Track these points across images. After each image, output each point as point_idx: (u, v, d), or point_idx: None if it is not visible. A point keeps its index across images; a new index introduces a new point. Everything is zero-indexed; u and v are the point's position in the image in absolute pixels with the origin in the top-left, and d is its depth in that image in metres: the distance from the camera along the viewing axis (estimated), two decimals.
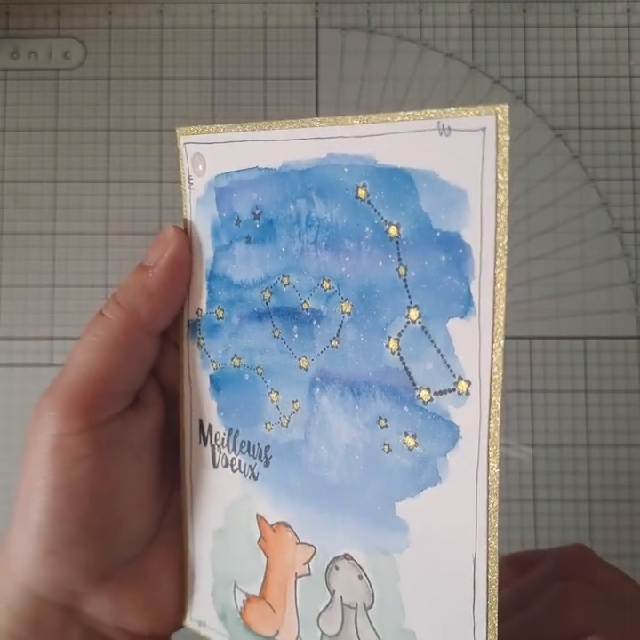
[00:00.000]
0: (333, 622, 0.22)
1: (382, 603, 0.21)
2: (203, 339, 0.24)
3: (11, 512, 0.23)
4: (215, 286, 0.23)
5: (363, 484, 0.20)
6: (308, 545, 0.22)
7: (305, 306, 0.21)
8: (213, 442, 0.24)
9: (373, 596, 0.21)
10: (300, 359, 0.21)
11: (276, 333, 0.22)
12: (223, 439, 0.24)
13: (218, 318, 0.23)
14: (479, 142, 0.16)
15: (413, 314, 0.18)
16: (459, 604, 0.19)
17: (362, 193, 0.19)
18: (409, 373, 0.19)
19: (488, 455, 0.17)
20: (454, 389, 0.18)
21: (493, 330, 0.17)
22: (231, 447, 0.24)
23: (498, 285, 0.16)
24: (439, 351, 0.18)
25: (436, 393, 0.18)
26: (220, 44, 0.44)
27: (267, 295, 0.22)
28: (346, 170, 0.19)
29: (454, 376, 0.18)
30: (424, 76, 0.43)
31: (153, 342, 0.24)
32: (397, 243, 0.18)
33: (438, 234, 0.17)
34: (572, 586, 0.24)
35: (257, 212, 0.22)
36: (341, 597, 0.22)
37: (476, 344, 0.17)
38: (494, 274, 0.16)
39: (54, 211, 0.44)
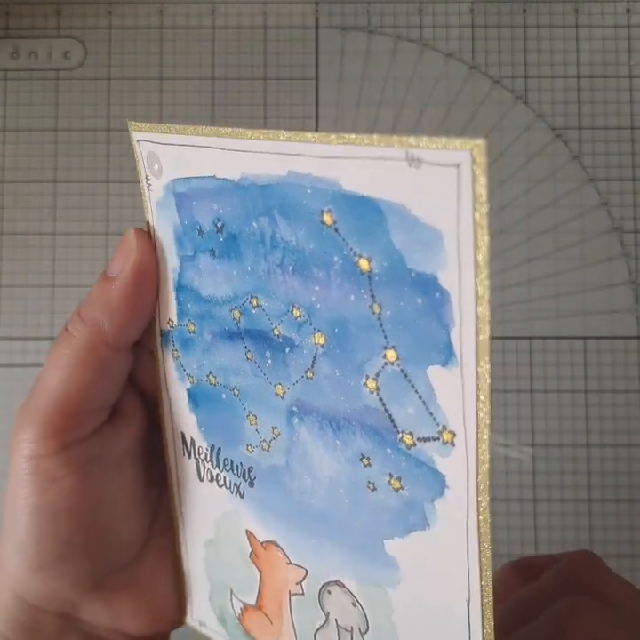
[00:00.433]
0: None
1: (377, 630, 0.20)
2: (177, 351, 0.23)
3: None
4: (184, 298, 0.22)
5: (349, 517, 0.19)
6: (300, 566, 0.22)
7: (276, 332, 0.19)
8: (197, 455, 0.24)
9: (368, 623, 0.20)
10: (275, 386, 0.20)
11: (249, 356, 0.21)
12: (206, 454, 0.23)
13: (189, 332, 0.22)
14: (453, 180, 0.14)
15: (391, 355, 0.17)
16: None
17: (327, 218, 0.17)
18: (390, 415, 0.17)
19: (478, 510, 0.16)
20: (438, 438, 0.17)
21: (477, 384, 0.15)
22: (215, 463, 0.23)
23: (481, 337, 0.15)
24: (420, 397, 0.17)
25: (419, 439, 0.17)
26: (220, 44, 0.44)
27: (236, 314, 0.20)
28: (309, 191, 0.17)
29: (438, 424, 0.17)
30: (424, 76, 0.43)
31: (124, 356, 0.22)
32: (369, 278, 0.17)
33: (413, 274, 0.16)
34: (578, 602, 0.23)
35: (219, 224, 0.20)
36: (336, 620, 0.21)
37: (459, 396, 0.16)
38: (476, 323, 0.15)
39: (54, 211, 0.44)
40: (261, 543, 0.22)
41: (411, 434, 0.17)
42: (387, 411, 0.17)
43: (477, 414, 0.16)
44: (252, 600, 0.23)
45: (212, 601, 0.25)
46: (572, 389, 0.42)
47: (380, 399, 0.17)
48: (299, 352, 0.19)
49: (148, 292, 0.22)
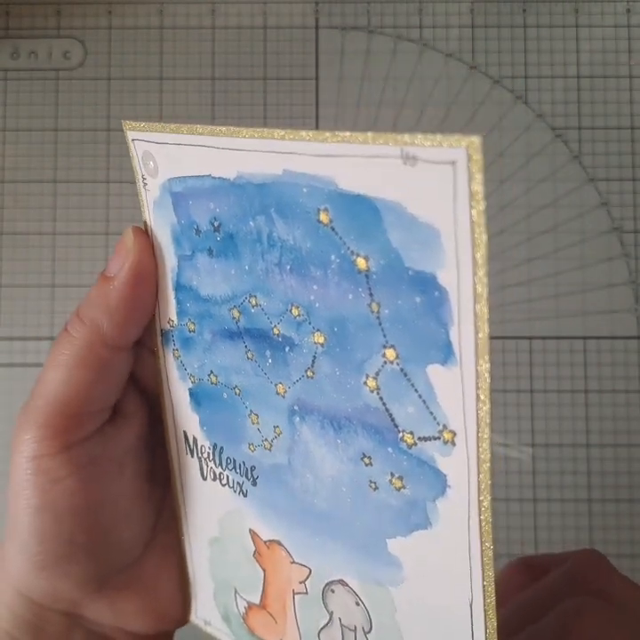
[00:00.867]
0: None
1: (380, 629, 0.20)
2: (177, 350, 0.23)
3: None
4: (183, 297, 0.22)
5: (352, 516, 0.19)
6: (303, 565, 0.22)
7: (275, 331, 0.19)
8: (199, 454, 0.24)
9: (371, 623, 0.20)
10: (276, 385, 0.20)
11: (250, 355, 0.21)
12: (209, 453, 0.23)
13: (190, 331, 0.22)
14: (449, 177, 0.14)
15: (390, 354, 0.17)
16: None
17: (324, 217, 0.17)
18: (390, 415, 0.17)
19: (479, 509, 0.16)
20: (439, 438, 0.17)
21: (477, 382, 0.15)
22: (217, 462, 0.23)
23: (480, 335, 0.15)
24: (420, 396, 0.17)
25: (419, 438, 0.17)
26: (220, 44, 0.44)
27: (236, 314, 0.20)
28: (305, 190, 0.17)
29: (438, 424, 0.16)
30: (424, 76, 0.43)
31: (124, 356, 0.22)
32: (367, 276, 0.17)
33: (410, 272, 0.16)
34: (584, 602, 0.23)
35: (216, 223, 0.20)
36: (340, 619, 0.21)
37: (459, 395, 0.16)
38: (475, 322, 0.15)
39: (54, 211, 0.44)
40: (265, 542, 0.22)
41: (411, 433, 0.17)
42: (387, 410, 0.17)
43: (477, 413, 0.16)
44: (256, 599, 0.23)
45: (216, 600, 0.25)
46: (572, 389, 0.42)
47: (381, 398, 0.17)
48: (298, 351, 0.19)
49: (146, 292, 0.22)
